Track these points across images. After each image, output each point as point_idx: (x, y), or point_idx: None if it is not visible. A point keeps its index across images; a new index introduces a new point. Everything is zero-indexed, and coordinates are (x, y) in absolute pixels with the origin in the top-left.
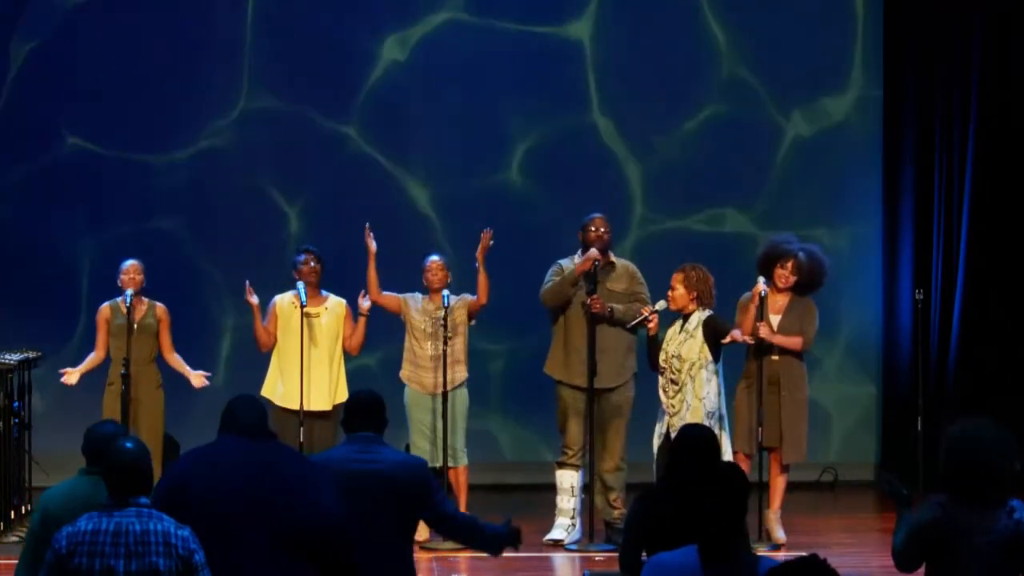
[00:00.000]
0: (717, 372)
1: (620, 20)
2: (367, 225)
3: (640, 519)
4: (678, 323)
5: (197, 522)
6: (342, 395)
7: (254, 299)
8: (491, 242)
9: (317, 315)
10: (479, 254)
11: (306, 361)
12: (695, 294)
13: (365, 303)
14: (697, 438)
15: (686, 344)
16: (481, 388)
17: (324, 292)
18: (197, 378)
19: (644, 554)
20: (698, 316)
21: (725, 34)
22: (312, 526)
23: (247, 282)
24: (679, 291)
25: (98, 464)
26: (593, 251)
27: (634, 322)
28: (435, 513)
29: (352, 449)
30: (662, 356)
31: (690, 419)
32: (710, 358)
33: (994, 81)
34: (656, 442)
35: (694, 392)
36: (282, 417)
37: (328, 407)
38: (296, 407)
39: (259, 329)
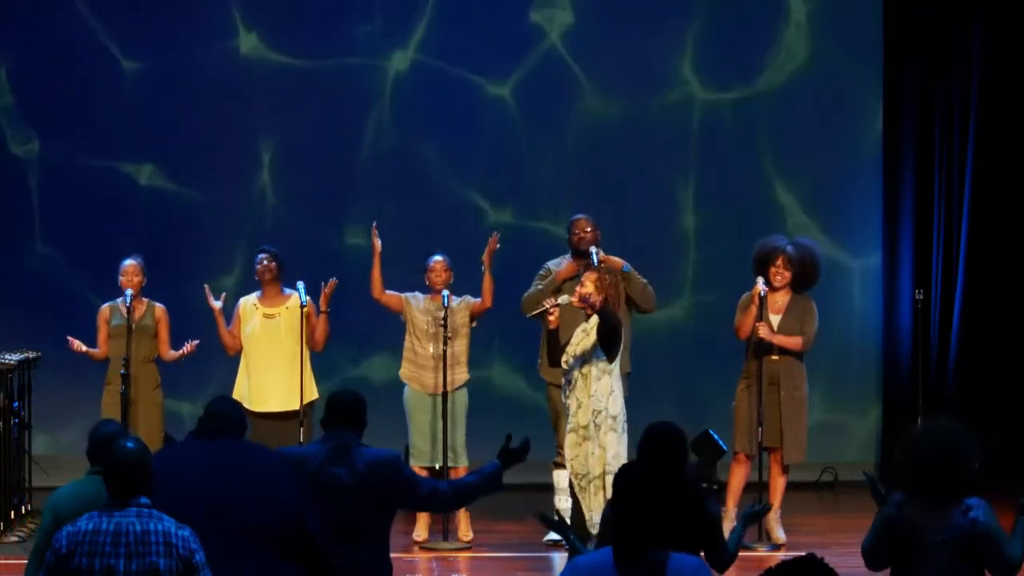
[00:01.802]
0: (610, 372)
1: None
2: (374, 224)
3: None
4: (582, 324)
5: None
6: (310, 393)
7: (216, 303)
8: (498, 245)
9: (276, 315)
10: (486, 257)
11: (268, 362)
12: (603, 297)
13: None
14: (667, 435)
15: (581, 343)
16: (478, 388)
17: (287, 290)
18: (188, 348)
19: None
20: (596, 317)
21: (724, 34)
22: (274, 521)
23: (206, 286)
24: (588, 289)
25: (103, 464)
26: (571, 263)
27: (535, 312)
28: (414, 500)
29: (324, 449)
30: (564, 357)
31: (580, 417)
32: (602, 356)
33: (994, 81)
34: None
35: (584, 389)
36: (252, 420)
37: (293, 407)
38: (263, 409)
39: (223, 333)
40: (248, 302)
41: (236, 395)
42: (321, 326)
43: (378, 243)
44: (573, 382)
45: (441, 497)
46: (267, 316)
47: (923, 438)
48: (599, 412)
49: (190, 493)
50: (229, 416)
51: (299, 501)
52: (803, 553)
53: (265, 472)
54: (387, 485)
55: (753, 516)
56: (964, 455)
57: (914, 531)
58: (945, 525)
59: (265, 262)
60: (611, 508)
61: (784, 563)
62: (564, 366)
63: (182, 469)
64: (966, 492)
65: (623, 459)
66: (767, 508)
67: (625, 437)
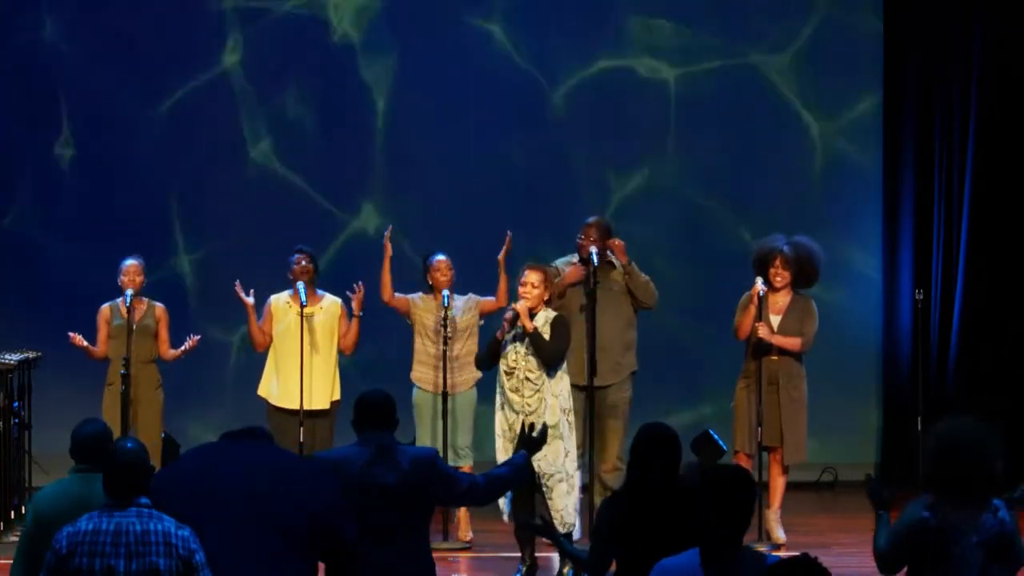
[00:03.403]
0: (566, 371)
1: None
2: (390, 227)
3: (608, 523)
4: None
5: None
6: (336, 393)
7: (249, 299)
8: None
9: (312, 314)
10: (501, 257)
11: (303, 360)
12: (548, 295)
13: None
14: (661, 436)
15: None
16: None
17: (320, 291)
18: (190, 344)
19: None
20: (544, 315)
21: (727, 32)
22: (298, 519)
23: (237, 282)
24: (539, 291)
25: (87, 462)
26: (575, 267)
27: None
28: (453, 496)
29: (363, 454)
30: (512, 355)
31: (548, 417)
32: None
33: (994, 81)
34: (499, 443)
35: (550, 391)
36: (278, 417)
37: (326, 406)
38: (291, 407)
39: (254, 329)
40: (280, 300)
41: (261, 391)
42: (353, 330)
43: (389, 247)
44: (540, 384)
45: (478, 491)
46: (303, 315)
47: (956, 439)
48: (566, 410)
49: (214, 488)
50: (255, 425)
51: (331, 502)
52: (797, 553)
53: (295, 471)
54: (429, 482)
55: None
56: (997, 455)
57: (949, 533)
58: (978, 526)
59: (303, 263)
60: (701, 510)
61: (779, 563)
62: (513, 365)
63: (211, 465)
64: (996, 492)
65: (572, 453)
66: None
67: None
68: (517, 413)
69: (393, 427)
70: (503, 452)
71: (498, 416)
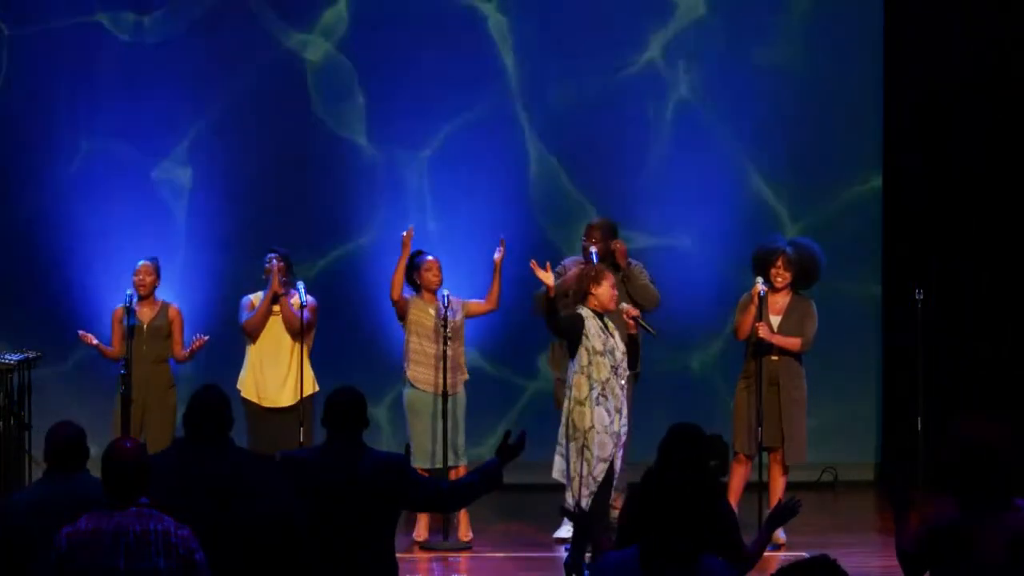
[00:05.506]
0: None
1: None
2: (411, 227)
3: (633, 516)
4: (602, 322)
5: None
6: (308, 388)
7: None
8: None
9: (276, 312)
10: (497, 260)
11: (270, 357)
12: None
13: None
14: (682, 434)
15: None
16: (479, 387)
17: (291, 291)
18: (196, 344)
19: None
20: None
21: (722, 34)
22: (260, 527)
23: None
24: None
25: (61, 464)
26: (577, 270)
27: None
28: (418, 501)
29: (330, 452)
30: (618, 354)
31: (626, 417)
32: None
33: (995, 78)
34: (598, 438)
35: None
36: (253, 411)
37: (290, 402)
38: (259, 401)
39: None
40: (256, 299)
41: (240, 384)
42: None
43: (409, 247)
44: (626, 387)
45: (444, 498)
46: (273, 313)
47: (973, 441)
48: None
49: (180, 499)
50: (210, 422)
51: (289, 505)
52: (805, 554)
53: (255, 477)
54: (393, 487)
55: (780, 517)
56: (1013, 455)
57: (977, 535)
58: (1004, 527)
59: (274, 261)
60: (639, 509)
61: (796, 564)
62: (617, 361)
63: (171, 471)
64: (1015, 492)
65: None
66: (795, 507)
67: None
68: (619, 412)
69: (362, 428)
70: (599, 447)
71: (598, 411)
